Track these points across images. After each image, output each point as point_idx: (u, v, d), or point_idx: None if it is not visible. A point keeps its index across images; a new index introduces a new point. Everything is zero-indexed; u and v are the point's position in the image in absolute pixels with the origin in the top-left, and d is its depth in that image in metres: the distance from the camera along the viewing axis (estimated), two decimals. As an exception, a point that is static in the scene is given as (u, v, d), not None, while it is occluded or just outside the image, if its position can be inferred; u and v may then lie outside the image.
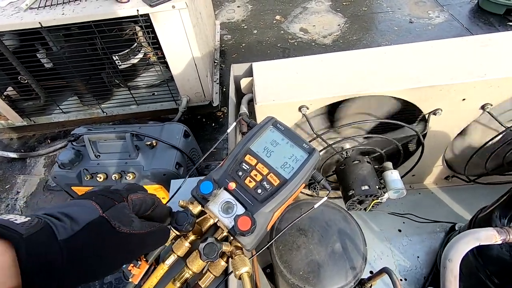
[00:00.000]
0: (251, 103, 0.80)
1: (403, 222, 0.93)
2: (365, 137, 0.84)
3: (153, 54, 1.71)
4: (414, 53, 0.76)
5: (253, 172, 0.47)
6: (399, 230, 0.92)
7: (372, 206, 0.76)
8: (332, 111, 0.78)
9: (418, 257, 0.86)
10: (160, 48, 1.59)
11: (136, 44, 1.79)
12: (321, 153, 0.81)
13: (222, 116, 2.04)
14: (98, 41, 1.54)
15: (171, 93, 1.86)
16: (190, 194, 0.48)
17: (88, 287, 1.35)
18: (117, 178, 1.20)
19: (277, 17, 2.83)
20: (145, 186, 0.54)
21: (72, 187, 1.28)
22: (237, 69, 0.87)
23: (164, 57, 1.65)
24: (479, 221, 0.68)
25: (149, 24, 1.47)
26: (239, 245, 0.46)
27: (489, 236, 0.51)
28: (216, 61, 2.36)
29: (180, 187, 0.52)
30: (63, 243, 0.28)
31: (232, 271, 0.45)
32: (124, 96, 1.90)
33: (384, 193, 0.75)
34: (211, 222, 0.49)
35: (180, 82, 1.78)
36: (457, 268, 0.51)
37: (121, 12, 1.40)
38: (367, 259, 0.59)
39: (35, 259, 0.26)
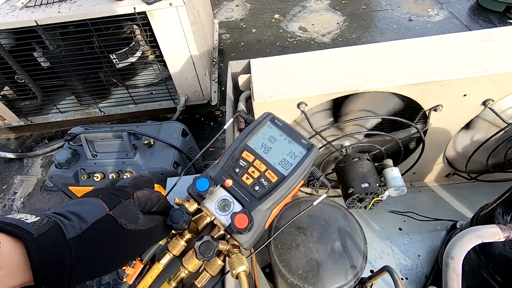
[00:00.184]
0: (249, 100, 0.79)
1: (404, 221, 0.92)
2: (365, 135, 0.83)
3: (151, 53, 1.70)
4: (414, 48, 0.75)
5: (251, 169, 0.46)
6: (400, 229, 0.91)
7: (373, 204, 0.75)
8: (338, 107, 0.77)
9: (419, 255, 0.85)
10: (157, 46, 1.58)
11: (133, 42, 1.77)
12: (320, 150, 0.80)
13: (220, 115, 2.03)
14: (95, 39, 1.53)
15: (169, 92, 1.84)
16: (186, 192, 0.46)
17: (85, 287, 1.34)
18: (114, 177, 1.19)
19: (276, 16, 2.81)
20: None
21: (69, 187, 1.27)
22: (234, 66, 0.86)
23: (161, 56, 1.63)
24: (481, 219, 0.67)
25: (146, 22, 1.46)
26: (236, 243, 0.44)
27: (492, 234, 0.50)
28: (214, 60, 2.34)
29: (175, 185, 0.51)
30: (72, 241, 0.29)
31: (229, 270, 0.43)
32: (122, 95, 1.89)
33: (385, 191, 0.74)
34: (207, 220, 0.48)
35: (178, 80, 1.77)
36: (460, 266, 0.50)
37: (118, 10, 1.39)
38: (368, 258, 0.58)
39: (45, 258, 0.27)
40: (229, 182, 0.45)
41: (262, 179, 0.45)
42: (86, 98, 1.92)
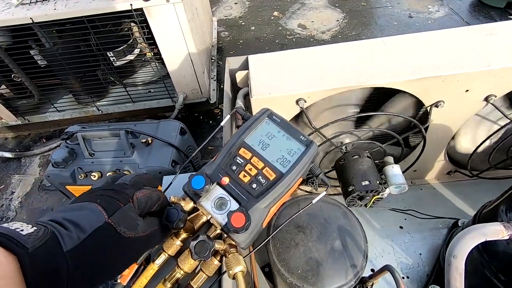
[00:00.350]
0: (247, 97, 0.78)
1: (405, 219, 0.91)
2: (365, 132, 0.81)
3: (149, 51, 1.68)
4: (415, 43, 0.73)
5: (248, 166, 0.44)
6: (401, 227, 0.89)
7: (373, 202, 0.74)
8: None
9: (420, 254, 0.84)
10: (155, 44, 1.56)
11: (131, 40, 1.76)
12: (319, 147, 0.79)
13: (219, 113, 2.02)
14: (92, 37, 1.51)
15: (168, 90, 1.83)
16: (182, 190, 0.45)
17: None
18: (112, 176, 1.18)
19: (275, 13, 2.79)
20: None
21: (67, 186, 1.25)
22: (232, 62, 0.84)
23: (159, 53, 1.62)
24: (484, 216, 0.66)
25: (143, 19, 1.44)
26: (233, 243, 0.43)
27: (496, 231, 0.49)
28: (213, 58, 2.33)
29: (171, 183, 0.50)
30: (69, 254, 0.29)
31: (226, 271, 0.42)
32: (120, 93, 1.88)
33: (385, 188, 0.73)
34: (203, 219, 0.47)
35: (176, 78, 1.75)
36: (462, 265, 0.49)
37: (114, 7, 1.37)
38: (368, 257, 0.56)
39: (40, 272, 0.26)
40: (225, 180, 0.44)
41: (260, 177, 0.44)
42: (84, 97, 1.90)
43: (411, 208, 0.91)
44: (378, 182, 0.71)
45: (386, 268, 0.48)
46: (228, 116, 0.55)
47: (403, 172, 0.76)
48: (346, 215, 0.61)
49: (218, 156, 0.46)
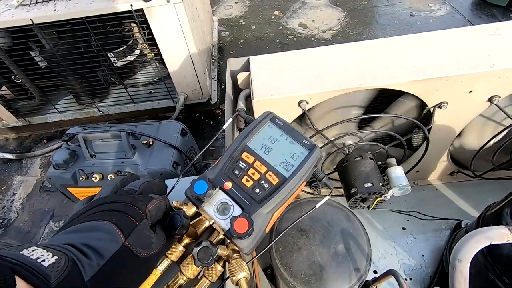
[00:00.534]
0: (248, 98, 0.77)
1: (407, 220, 0.90)
2: (367, 133, 0.81)
3: (149, 51, 1.68)
4: (418, 44, 0.73)
5: (251, 171, 0.44)
6: (403, 228, 0.89)
7: (376, 204, 0.73)
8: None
9: (423, 255, 0.83)
10: (156, 44, 1.56)
11: (131, 41, 1.75)
12: (322, 149, 0.79)
13: (220, 113, 2.01)
14: (93, 38, 1.51)
15: (168, 90, 1.82)
16: (184, 194, 0.45)
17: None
18: (113, 178, 1.17)
19: (276, 12, 2.79)
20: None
21: (68, 188, 1.25)
22: (233, 63, 0.84)
23: (160, 54, 1.61)
24: (488, 219, 0.65)
25: (143, 19, 1.44)
26: (236, 248, 0.43)
27: (501, 235, 0.48)
28: (214, 57, 2.32)
29: (173, 188, 0.50)
30: (89, 283, 0.29)
31: (229, 276, 0.42)
32: (121, 94, 1.87)
33: (388, 190, 0.72)
34: (206, 224, 0.47)
35: (177, 79, 1.75)
36: (467, 269, 0.48)
37: (115, 8, 1.37)
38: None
39: None
40: (228, 185, 0.43)
41: (263, 181, 0.43)
42: (85, 98, 1.90)
43: (414, 209, 0.90)
44: (381, 184, 0.70)
45: (391, 272, 0.47)
46: (230, 120, 0.54)
47: (405, 173, 0.75)
48: (349, 218, 0.60)
49: (220, 160, 0.46)
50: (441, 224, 0.88)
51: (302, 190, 0.93)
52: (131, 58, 1.82)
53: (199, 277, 0.43)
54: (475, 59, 0.66)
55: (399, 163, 0.81)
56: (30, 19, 1.37)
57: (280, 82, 0.69)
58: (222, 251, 0.42)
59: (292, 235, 0.57)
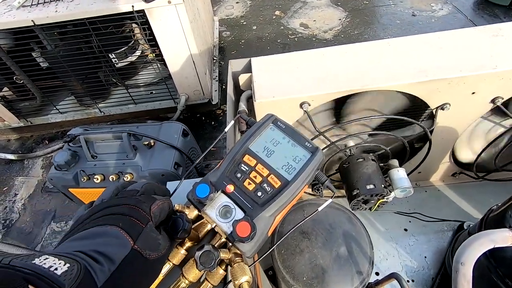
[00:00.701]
0: (250, 100, 0.77)
1: (409, 221, 0.90)
2: (369, 135, 0.80)
3: (150, 52, 1.68)
4: (420, 45, 0.72)
5: (253, 174, 0.44)
6: (405, 230, 0.89)
7: (378, 206, 0.73)
8: (339, 107, 0.75)
9: (425, 257, 0.83)
10: (157, 45, 1.56)
11: (132, 41, 1.75)
12: (324, 151, 0.78)
13: (221, 114, 2.01)
14: (94, 39, 1.51)
15: (169, 91, 1.82)
16: (186, 197, 0.44)
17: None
18: (114, 179, 1.17)
19: (277, 12, 2.78)
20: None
21: (69, 189, 1.25)
22: (235, 64, 0.84)
23: (161, 55, 1.61)
24: (491, 221, 0.65)
25: (145, 20, 1.44)
26: (238, 252, 0.43)
27: (505, 238, 0.48)
28: (215, 58, 2.32)
29: (175, 190, 0.49)
30: None
31: (231, 280, 0.42)
32: (122, 95, 1.87)
33: (390, 192, 0.72)
34: (208, 227, 0.46)
35: (178, 79, 1.75)
36: (470, 272, 0.48)
37: (116, 9, 1.37)
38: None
39: None
40: (230, 188, 0.43)
41: (265, 184, 0.43)
42: (86, 99, 1.90)
43: (416, 210, 0.90)
44: (383, 185, 0.70)
45: (394, 276, 0.47)
46: (232, 122, 0.54)
47: (408, 175, 0.75)
48: (351, 220, 0.60)
49: (222, 163, 0.46)
50: (443, 225, 0.88)
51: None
52: (132, 58, 1.82)
53: (201, 280, 0.43)
54: (478, 60, 0.66)
55: (401, 164, 0.80)
56: (32, 20, 1.37)
57: (282, 84, 0.69)
58: (224, 254, 0.41)
59: (294, 237, 0.57)
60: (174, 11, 1.41)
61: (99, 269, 0.29)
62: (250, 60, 0.78)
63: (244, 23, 2.72)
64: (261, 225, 0.41)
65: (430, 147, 0.78)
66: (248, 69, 0.81)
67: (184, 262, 0.44)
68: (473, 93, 0.67)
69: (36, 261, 0.26)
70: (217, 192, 0.43)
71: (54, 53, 1.57)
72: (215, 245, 0.43)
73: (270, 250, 0.46)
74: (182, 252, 0.44)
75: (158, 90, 1.91)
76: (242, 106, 0.76)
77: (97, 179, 1.18)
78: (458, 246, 0.51)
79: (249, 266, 0.43)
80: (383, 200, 0.71)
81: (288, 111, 0.69)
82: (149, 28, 1.48)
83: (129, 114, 1.99)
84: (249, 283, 0.40)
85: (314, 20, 2.63)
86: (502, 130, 0.76)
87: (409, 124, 0.77)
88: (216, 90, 2.07)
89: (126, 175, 1.17)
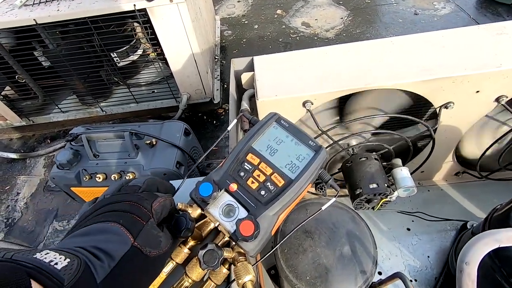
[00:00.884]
0: (252, 99, 0.77)
1: (412, 221, 0.89)
2: (372, 134, 0.80)
3: (152, 51, 1.68)
4: (423, 43, 0.72)
5: (256, 173, 0.44)
6: (408, 229, 0.88)
7: (381, 205, 0.73)
8: (341, 105, 0.74)
9: (428, 256, 0.83)
10: (158, 44, 1.56)
11: (134, 40, 1.75)
12: (326, 150, 0.78)
13: (223, 113, 2.01)
14: (96, 38, 1.51)
15: (171, 90, 1.82)
16: (189, 195, 0.44)
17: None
18: (116, 178, 1.17)
19: (278, 11, 2.77)
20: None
21: (71, 188, 1.26)
22: (237, 63, 0.83)
23: (163, 54, 1.61)
24: (495, 220, 0.64)
25: (146, 19, 1.44)
26: (241, 251, 0.43)
27: (510, 238, 0.48)
28: (216, 57, 2.32)
29: (178, 189, 0.49)
30: (101, 285, 0.29)
31: (234, 279, 0.42)
32: (124, 94, 1.87)
33: (393, 191, 0.72)
34: (211, 226, 0.46)
35: (180, 79, 1.75)
36: (475, 272, 0.48)
37: (118, 7, 1.37)
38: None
39: None
40: (233, 187, 0.43)
41: (268, 183, 0.43)
42: (88, 98, 1.90)
43: (419, 209, 0.90)
44: (386, 185, 0.70)
45: (398, 275, 0.47)
46: (235, 121, 0.54)
47: (411, 174, 0.75)
48: (354, 220, 0.60)
49: (225, 161, 0.46)
50: (446, 225, 0.87)
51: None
52: (134, 57, 1.82)
53: (204, 279, 0.43)
54: (483, 58, 0.65)
55: (404, 163, 0.80)
56: (34, 19, 1.37)
57: (284, 82, 0.69)
58: (227, 253, 0.41)
59: (297, 236, 0.57)
60: (176, 10, 1.41)
61: (99, 265, 0.29)
62: (252, 58, 0.78)
63: (246, 22, 2.72)
64: (264, 224, 0.40)
65: (434, 146, 0.78)
66: (250, 67, 0.81)
67: (187, 261, 0.44)
68: (477, 91, 0.66)
69: (38, 255, 0.26)
70: (220, 191, 0.43)
71: (56, 52, 1.57)
72: (218, 244, 0.42)
73: (274, 250, 0.46)
74: (185, 251, 0.44)
75: (160, 89, 1.92)
76: (245, 104, 0.76)
77: (99, 178, 1.18)
78: (462, 246, 0.51)
79: (252, 266, 0.43)
80: (386, 199, 0.71)
81: (291, 109, 0.69)
82: (151, 27, 1.48)
83: (131, 113, 1.99)
84: (252, 282, 0.40)
85: (315, 19, 2.62)
86: (506, 128, 0.75)
87: (412, 123, 0.77)
88: (217, 89, 2.07)
89: (128, 174, 1.17)
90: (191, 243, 0.45)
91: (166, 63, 1.68)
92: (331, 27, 2.52)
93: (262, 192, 0.42)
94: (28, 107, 1.93)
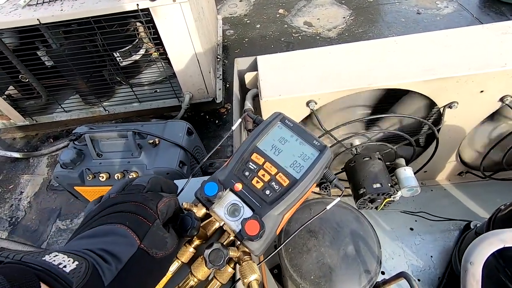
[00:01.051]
0: (256, 98, 0.77)
1: (415, 220, 0.90)
2: (376, 133, 0.80)
3: (155, 50, 1.68)
4: (427, 43, 0.72)
5: (261, 172, 0.44)
6: (411, 229, 0.88)
7: (384, 205, 0.73)
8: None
9: (431, 256, 0.83)
10: (161, 43, 1.56)
11: (137, 40, 1.76)
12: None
13: (225, 112, 2.01)
14: (98, 37, 1.51)
15: (174, 90, 1.83)
16: (193, 195, 0.44)
17: None
18: (119, 177, 1.18)
19: (280, 10, 2.77)
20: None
21: (75, 187, 1.26)
22: (241, 63, 0.84)
23: (165, 53, 1.61)
24: (499, 220, 0.64)
25: (149, 19, 1.44)
26: (246, 250, 0.43)
27: (515, 238, 0.47)
28: (218, 56, 2.32)
29: (183, 189, 0.50)
30: (109, 287, 0.29)
31: (239, 278, 0.42)
32: (126, 93, 1.88)
33: (397, 191, 0.72)
34: (216, 225, 0.46)
35: (182, 78, 1.75)
36: (479, 272, 0.48)
37: (121, 7, 1.37)
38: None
39: None
40: (238, 186, 0.43)
41: (273, 183, 0.43)
42: (91, 97, 1.91)
43: (422, 209, 0.90)
44: (389, 184, 0.70)
45: (402, 275, 0.47)
46: (239, 120, 0.54)
47: (414, 174, 0.75)
48: (358, 219, 0.60)
49: (230, 161, 0.46)
50: (449, 224, 0.87)
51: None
52: (136, 57, 1.82)
53: (209, 278, 0.43)
54: (487, 58, 0.65)
55: (407, 163, 0.80)
56: (37, 19, 1.37)
57: (288, 82, 0.69)
58: (233, 253, 0.41)
59: (301, 236, 0.57)
60: (179, 10, 1.41)
61: (106, 268, 0.30)
62: (256, 58, 0.78)
63: (248, 21, 2.72)
64: (269, 224, 0.40)
65: (437, 146, 0.78)
66: (254, 67, 0.81)
67: (192, 260, 0.44)
68: (482, 91, 0.66)
69: (46, 258, 0.26)
70: (226, 190, 0.43)
71: (59, 52, 1.58)
72: (224, 244, 0.43)
73: (278, 249, 0.46)
74: (190, 250, 0.44)
75: (163, 89, 1.92)
76: (248, 104, 0.76)
77: (103, 177, 1.18)
78: (465, 246, 0.51)
79: (257, 265, 0.43)
80: (390, 199, 0.71)
81: (295, 109, 0.69)
82: (154, 27, 1.48)
83: (134, 112, 1.99)
84: (258, 282, 0.40)
85: (318, 19, 2.61)
86: (510, 128, 0.75)
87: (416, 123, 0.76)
88: (220, 89, 2.07)
89: (131, 174, 1.17)
90: (196, 242, 0.45)
91: (169, 62, 1.68)
92: (333, 27, 2.51)
93: (267, 192, 0.42)
94: (31, 107, 1.93)
